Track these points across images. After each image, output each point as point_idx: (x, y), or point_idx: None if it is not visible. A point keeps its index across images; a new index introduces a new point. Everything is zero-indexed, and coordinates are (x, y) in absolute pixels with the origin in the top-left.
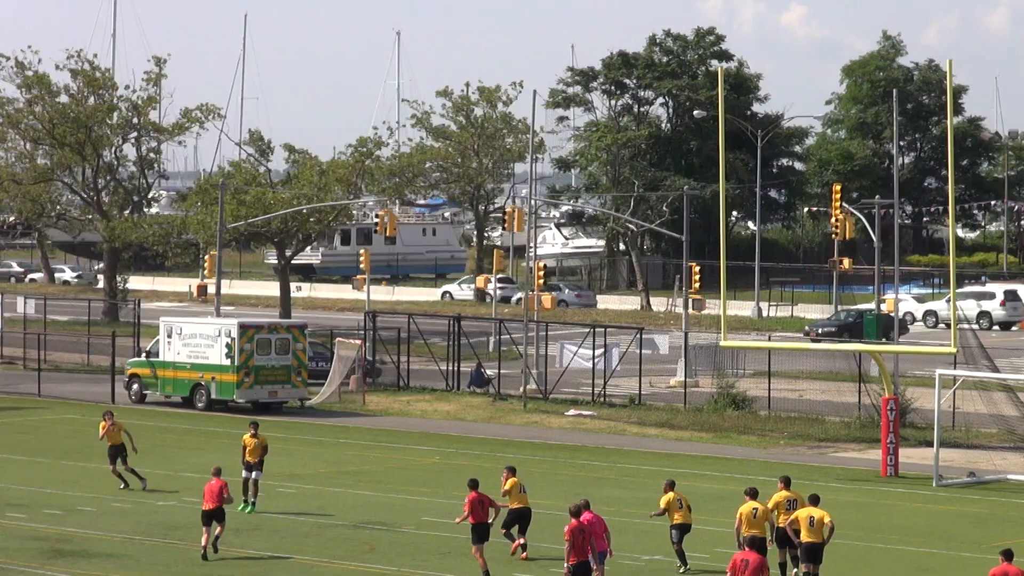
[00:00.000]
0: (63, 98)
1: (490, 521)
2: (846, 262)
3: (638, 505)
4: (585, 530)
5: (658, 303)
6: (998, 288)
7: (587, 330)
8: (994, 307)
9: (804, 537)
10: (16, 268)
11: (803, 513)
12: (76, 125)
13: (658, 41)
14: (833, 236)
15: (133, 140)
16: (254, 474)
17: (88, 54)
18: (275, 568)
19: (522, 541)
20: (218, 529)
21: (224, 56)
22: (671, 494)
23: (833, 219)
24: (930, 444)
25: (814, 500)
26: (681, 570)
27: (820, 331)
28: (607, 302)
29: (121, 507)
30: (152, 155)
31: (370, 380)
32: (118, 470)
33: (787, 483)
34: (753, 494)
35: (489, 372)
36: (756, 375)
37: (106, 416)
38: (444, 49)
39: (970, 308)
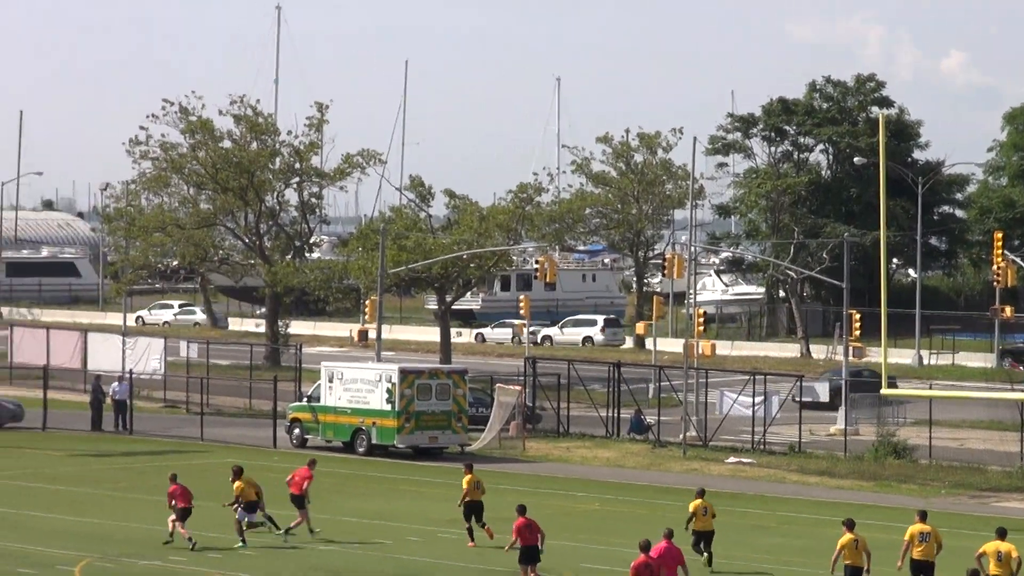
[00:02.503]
0: (226, 143)
1: (540, 546)
2: (1008, 310)
3: (799, 553)
4: (652, 566)
5: (818, 351)
6: (599, 317)
7: (747, 377)
8: (595, 332)
9: (992, 570)
10: None
11: (990, 547)
12: (239, 170)
13: (818, 87)
14: (995, 284)
15: (295, 185)
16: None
17: (251, 99)
18: None
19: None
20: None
21: (385, 101)
22: (699, 501)
23: (995, 267)
24: None
25: (1001, 534)
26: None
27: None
28: (767, 349)
29: (281, 551)
30: (314, 200)
31: (530, 426)
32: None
33: (923, 516)
34: (851, 525)
35: (649, 419)
36: (917, 423)
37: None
38: (604, 95)
39: (576, 334)
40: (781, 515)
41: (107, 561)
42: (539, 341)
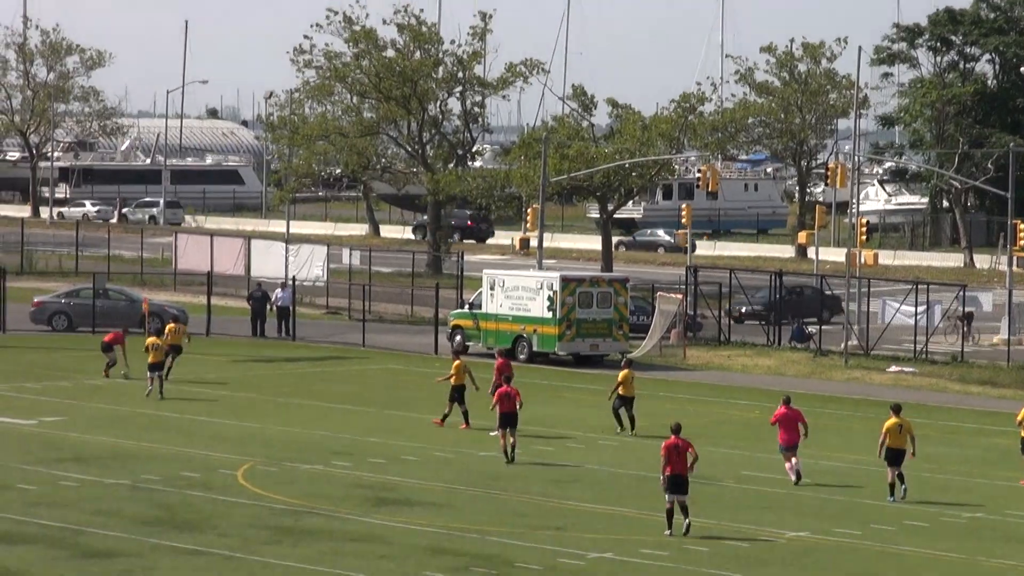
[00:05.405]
0: (389, 52)
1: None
2: None
3: (960, 462)
4: (679, 446)
5: (981, 261)
6: (160, 200)
7: (909, 287)
8: (157, 212)
9: None
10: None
11: None
12: (402, 79)
13: None
14: None
15: (458, 94)
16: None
17: (415, 9)
18: (595, 519)
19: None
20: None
21: (549, 11)
22: (626, 371)
23: None
24: None
25: None
26: (617, 430)
27: (744, 311)
28: (930, 259)
29: (443, 456)
30: (476, 109)
31: (691, 334)
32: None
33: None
34: (896, 410)
35: (810, 328)
36: None
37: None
38: (769, 4)
39: (144, 213)
40: (942, 424)
41: (270, 465)
42: (117, 219)
